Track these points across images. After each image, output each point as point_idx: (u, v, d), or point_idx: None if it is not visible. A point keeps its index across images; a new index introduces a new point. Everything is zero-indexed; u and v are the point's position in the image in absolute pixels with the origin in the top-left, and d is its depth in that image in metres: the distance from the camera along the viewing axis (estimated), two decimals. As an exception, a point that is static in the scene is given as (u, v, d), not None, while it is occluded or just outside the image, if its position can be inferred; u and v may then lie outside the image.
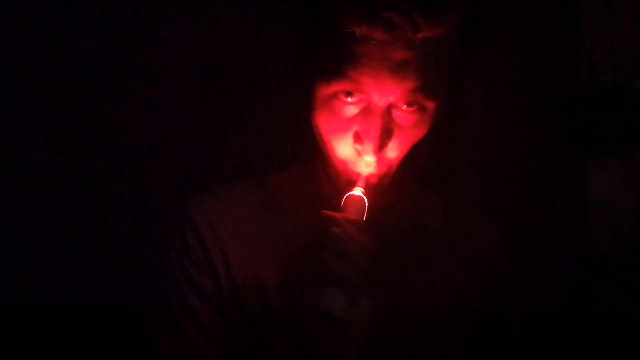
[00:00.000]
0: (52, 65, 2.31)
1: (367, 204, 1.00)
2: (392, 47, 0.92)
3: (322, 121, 1.04)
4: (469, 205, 1.31)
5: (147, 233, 2.28)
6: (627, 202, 2.30)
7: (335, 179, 1.06)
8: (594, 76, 2.14)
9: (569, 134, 2.23)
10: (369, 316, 1.01)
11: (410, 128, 1.01)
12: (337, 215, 0.95)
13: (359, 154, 1.01)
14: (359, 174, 1.02)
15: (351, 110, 1.00)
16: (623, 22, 2.26)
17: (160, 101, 2.34)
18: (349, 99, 0.99)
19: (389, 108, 0.98)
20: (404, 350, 1.12)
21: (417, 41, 0.93)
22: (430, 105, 1.00)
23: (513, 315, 1.34)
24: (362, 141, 1.00)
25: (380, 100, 0.97)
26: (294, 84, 1.13)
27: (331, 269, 0.92)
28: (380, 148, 0.99)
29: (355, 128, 1.01)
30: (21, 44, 2.30)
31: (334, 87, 0.98)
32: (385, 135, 0.99)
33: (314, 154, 1.11)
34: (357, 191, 1.01)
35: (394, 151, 1.01)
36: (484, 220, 1.28)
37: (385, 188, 1.04)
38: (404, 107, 1.00)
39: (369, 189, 1.01)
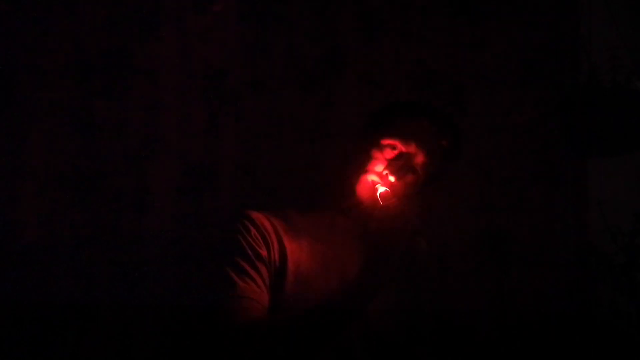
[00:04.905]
0: (52, 65, 2.31)
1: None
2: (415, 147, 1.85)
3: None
4: None
5: (147, 233, 2.29)
6: (627, 202, 2.30)
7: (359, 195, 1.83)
8: (593, 76, 2.14)
9: (568, 134, 2.23)
10: None
11: (410, 175, 1.85)
12: None
13: (382, 178, 1.81)
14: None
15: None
16: (622, 22, 2.26)
17: (160, 101, 2.34)
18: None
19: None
20: None
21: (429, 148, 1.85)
22: (421, 172, 1.86)
23: None
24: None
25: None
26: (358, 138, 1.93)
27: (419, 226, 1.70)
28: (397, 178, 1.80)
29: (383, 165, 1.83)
30: (21, 44, 2.31)
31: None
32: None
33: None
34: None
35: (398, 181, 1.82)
36: None
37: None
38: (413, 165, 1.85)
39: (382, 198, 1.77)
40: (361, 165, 1.84)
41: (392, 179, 1.80)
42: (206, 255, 2.27)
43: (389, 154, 1.83)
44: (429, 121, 1.88)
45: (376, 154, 1.84)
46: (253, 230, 1.79)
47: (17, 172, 2.28)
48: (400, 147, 1.83)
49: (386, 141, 1.84)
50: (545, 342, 2.28)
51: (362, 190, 1.82)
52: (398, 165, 1.81)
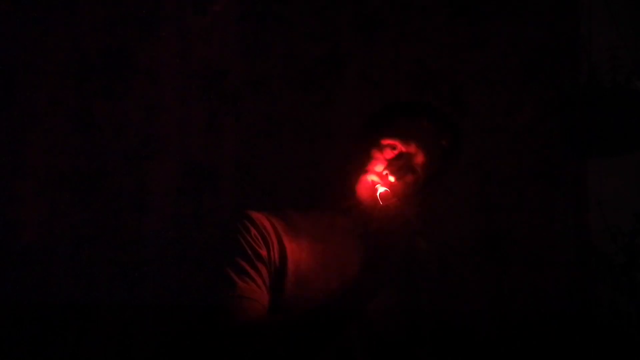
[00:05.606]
0: (52, 65, 2.31)
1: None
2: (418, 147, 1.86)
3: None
4: None
5: (147, 233, 2.29)
6: (627, 202, 2.30)
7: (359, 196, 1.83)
8: (593, 76, 2.14)
9: (568, 134, 2.23)
10: None
11: (410, 175, 1.85)
12: None
13: (382, 178, 1.81)
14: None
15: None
16: (622, 22, 2.26)
17: (160, 101, 2.34)
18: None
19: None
20: None
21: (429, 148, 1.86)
22: (421, 172, 1.86)
23: None
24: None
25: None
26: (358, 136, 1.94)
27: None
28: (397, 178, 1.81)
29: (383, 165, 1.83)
30: (21, 44, 2.31)
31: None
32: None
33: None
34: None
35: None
36: None
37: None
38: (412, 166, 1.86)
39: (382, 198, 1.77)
40: (361, 165, 1.84)
41: (392, 179, 1.80)
42: (206, 255, 2.27)
43: (389, 154, 1.84)
44: (428, 121, 1.88)
45: (376, 154, 1.84)
46: (253, 231, 1.79)
47: (17, 172, 2.28)
48: (400, 147, 1.83)
49: (386, 141, 1.84)
50: (545, 342, 2.28)
51: (362, 190, 1.82)
52: (398, 165, 1.81)
